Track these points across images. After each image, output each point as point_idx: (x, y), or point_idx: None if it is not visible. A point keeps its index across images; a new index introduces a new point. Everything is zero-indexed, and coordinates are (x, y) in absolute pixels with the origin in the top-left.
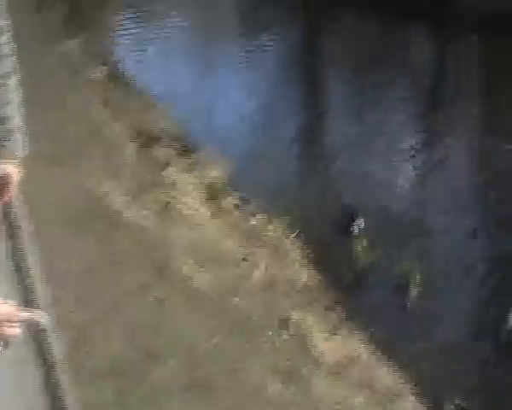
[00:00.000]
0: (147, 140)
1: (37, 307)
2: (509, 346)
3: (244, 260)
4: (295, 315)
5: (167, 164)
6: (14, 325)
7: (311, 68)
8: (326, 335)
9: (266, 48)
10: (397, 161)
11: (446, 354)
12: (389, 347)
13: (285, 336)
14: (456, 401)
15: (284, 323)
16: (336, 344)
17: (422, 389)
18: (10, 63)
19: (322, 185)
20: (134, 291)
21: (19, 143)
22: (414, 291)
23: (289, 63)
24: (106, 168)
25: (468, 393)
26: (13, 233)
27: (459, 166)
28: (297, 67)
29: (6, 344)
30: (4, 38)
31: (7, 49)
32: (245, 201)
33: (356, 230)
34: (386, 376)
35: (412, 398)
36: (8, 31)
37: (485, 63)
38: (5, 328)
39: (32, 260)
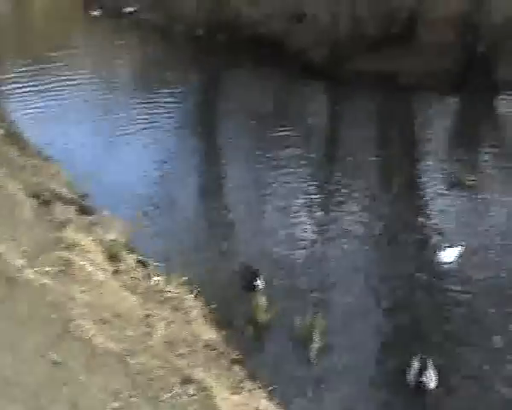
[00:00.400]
0: (45, 199)
1: None
2: (414, 391)
3: (145, 318)
4: (198, 372)
5: (66, 223)
6: None
7: (209, 125)
8: (230, 391)
9: (165, 105)
10: (295, 220)
11: (347, 407)
12: (292, 401)
13: (188, 394)
14: None
15: (187, 381)
16: (240, 400)
17: None
18: None
19: (221, 244)
20: (34, 354)
21: None
22: (315, 345)
23: (188, 120)
24: (2, 228)
25: None
26: None
27: (354, 222)
28: (196, 124)
29: None
30: None
31: None
32: (145, 260)
33: (257, 287)
34: None
35: None
36: None
37: (376, 117)
38: None
39: None
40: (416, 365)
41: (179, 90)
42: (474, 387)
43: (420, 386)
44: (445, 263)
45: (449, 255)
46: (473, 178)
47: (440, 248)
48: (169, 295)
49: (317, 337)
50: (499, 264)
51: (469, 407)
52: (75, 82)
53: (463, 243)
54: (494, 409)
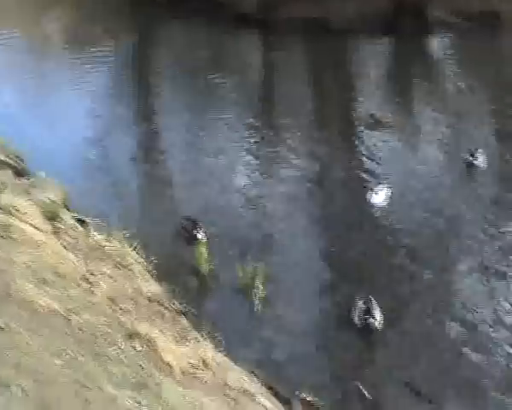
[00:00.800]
0: None
1: None
2: (360, 331)
3: (87, 276)
4: (143, 326)
5: (3, 187)
6: None
7: (143, 80)
8: (175, 342)
9: (97, 62)
10: (232, 167)
11: (293, 351)
12: (238, 349)
13: (134, 349)
14: (303, 396)
15: (133, 335)
16: (186, 350)
17: (272, 388)
18: None
19: (161, 198)
20: None
21: None
22: (258, 292)
23: (122, 76)
24: None
25: (314, 388)
26: None
27: (289, 166)
28: (129, 79)
29: None
30: None
31: None
32: (84, 218)
33: (198, 239)
34: (238, 378)
35: (262, 397)
36: None
37: (308, 62)
38: None
39: None
40: (360, 305)
41: (111, 46)
42: (418, 325)
43: (365, 326)
44: (376, 204)
45: (379, 197)
46: (392, 118)
47: (370, 190)
48: (110, 251)
49: (259, 285)
50: (425, 202)
51: (414, 344)
52: (5, 44)
53: (390, 183)
54: (438, 346)
